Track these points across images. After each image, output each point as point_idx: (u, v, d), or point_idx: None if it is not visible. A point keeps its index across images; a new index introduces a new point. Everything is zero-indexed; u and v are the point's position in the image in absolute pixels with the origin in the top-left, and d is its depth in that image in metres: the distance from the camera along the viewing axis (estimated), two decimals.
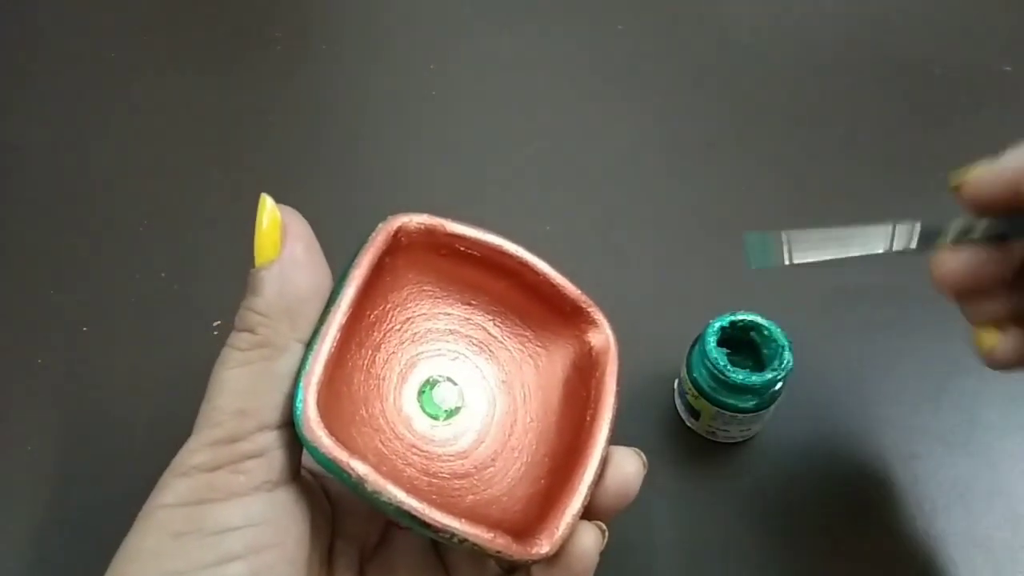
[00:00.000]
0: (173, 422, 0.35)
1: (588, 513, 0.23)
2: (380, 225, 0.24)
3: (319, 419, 0.21)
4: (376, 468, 0.22)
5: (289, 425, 0.21)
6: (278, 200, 0.23)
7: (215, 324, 0.37)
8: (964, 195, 0.24)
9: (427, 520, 0.21)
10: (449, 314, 0.27)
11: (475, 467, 0.25)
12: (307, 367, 0.21)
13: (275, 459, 0.21)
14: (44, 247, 0.40)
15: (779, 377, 0.31)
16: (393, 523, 0.25)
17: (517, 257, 0.25)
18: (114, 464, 0.34)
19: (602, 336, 0.26)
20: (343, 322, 0.22)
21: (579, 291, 0.26)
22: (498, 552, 0.21)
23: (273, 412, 0.21)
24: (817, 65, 0.48)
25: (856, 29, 0.50)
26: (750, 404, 0.31)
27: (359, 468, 0.20)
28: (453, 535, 0.21)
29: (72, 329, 0.37)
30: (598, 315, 0.26)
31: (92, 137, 0.44)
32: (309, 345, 0.22)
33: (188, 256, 0.40)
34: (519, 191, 0.42)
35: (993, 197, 0.23)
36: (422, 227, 0.24)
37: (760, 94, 0.47)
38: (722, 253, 0.40)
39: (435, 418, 0.26)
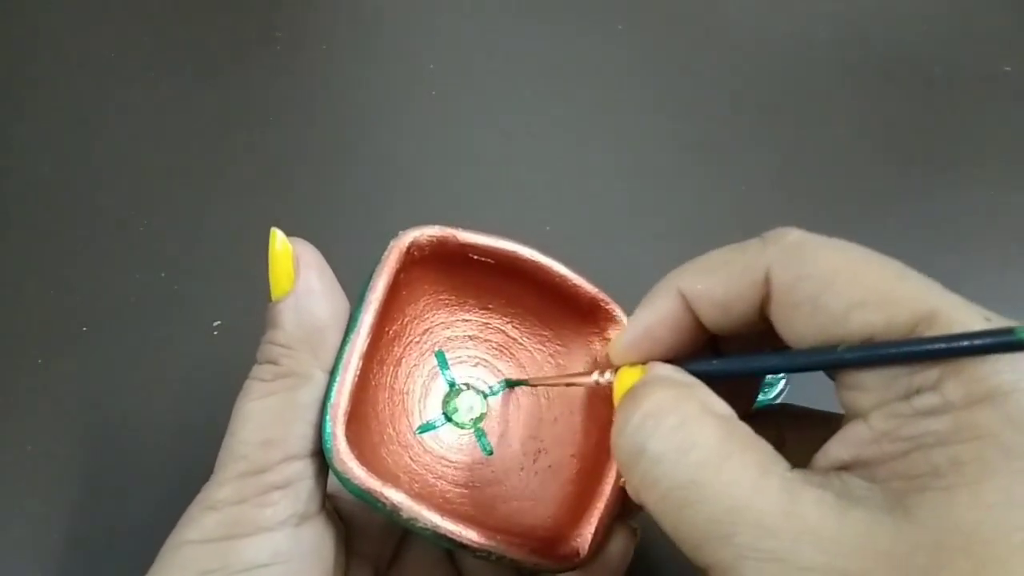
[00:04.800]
0: (174, 422, 0.35)
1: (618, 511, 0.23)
2: (392, 242, 0.24)
3: (349, 450, 0.21)
4: (408, 486, 0.22)
5: (314, 455, 0.21)
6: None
7: (215, 324, 0.37)
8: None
9: (465, 542, 0.21)
10: (467, 320, 0.27)
11: (504, 472, 0.25)
12: (332, 398, 0.21)
13: (301, 491, 0.21)
14: (44, 247, 0.40)
15: (781, 376, 0.31)
16: (408, 538, 0.25)
17: (533, 261, 0.25)
18: (115, 464, 0.34)
19: None
20: (364, 349, 0.22)
21: (596, 289, 0.25)
22: (535, 565, 0.21)
23: (298, 442, 0.21)
24: (817, 65, 0.48)
25: (855, 29, 0.50)
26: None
27: (393, 496, 0.21)
28: (491, 553, 0.21)
29: (72, 329, 0.37)
30: (617, 311, 0.25)
31: (92, 137, 0.44)
32: (332, 375, 0.22)
33: (188, 256, 0.40)
34: (519, 191, 0.42)
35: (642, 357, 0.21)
36: (434, 239, 0.24)
37: (760, 94, 0.47)
38: None
39: (461, 427, 0.25)
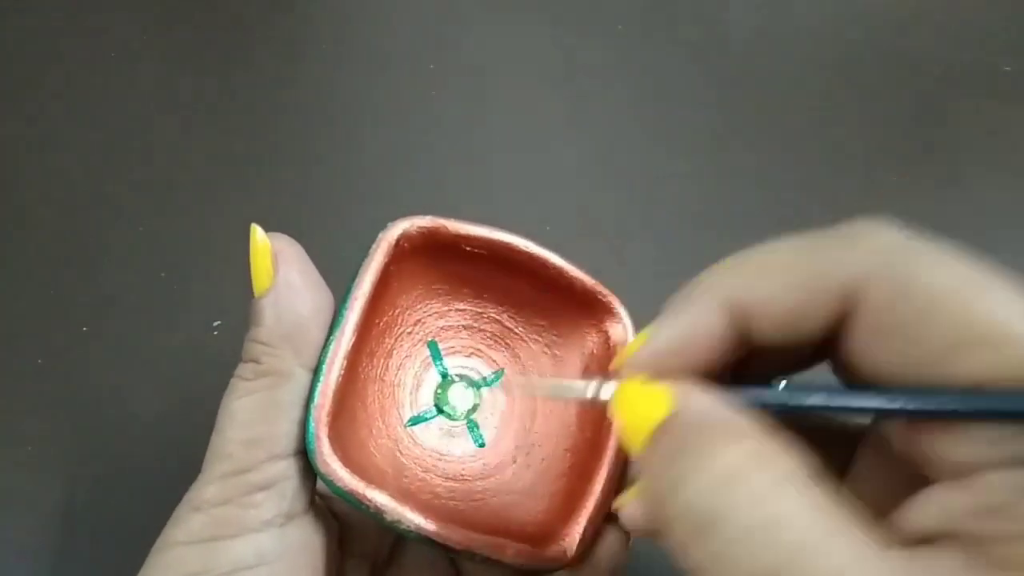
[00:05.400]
0: (174, 422, 0.35)
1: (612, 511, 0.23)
2: (380, 235, 0.23)
3: (332, 452, 0.20)
4: (396, 481, 0.22)
5: (299, 454, 0.21)
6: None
7: (215, 324, 0.37)
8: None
9: (448, 543, 0.21)
10: (462, 310, 0.26)
11: (496, 465, 0.25)
12: (315, 399, 0.21)
13: (286, 490, 0.21)
14: (44, 247, 0.40)
15: None
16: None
17: (528, 253, 0.24)
18: (115, 464, 0.34)
19: (619, 326, 0.25)
20: (349, 348, 0.22)
21: (594, 281, 0.25)
22: (520, 566, 0.21)
23: (282, 441, 0.21)
24: (817, 65, 0.48)
25: (855, 29, 0.50)
26: None
27: (377, 499, 0.20)
28: (475, 554, 0.21)
29: (72, 329, 0.37)
30: (615, 304, 0.25)
31: (91, 137, 0.44)
32: (316, 375, 0.21)
33: (188, 256, 0.40)
34: (519, 191, 0.42)
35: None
36: (425, 230, 0.24)
37: (760, 94, 0.47)
38: (723, 252, 0.39)
39: (453, 419, 0.25)
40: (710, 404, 0.16)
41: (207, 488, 0.20)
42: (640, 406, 0.16)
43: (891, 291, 0.14)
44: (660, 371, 0.17)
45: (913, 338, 0.14)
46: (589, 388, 0.18)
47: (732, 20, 0.50)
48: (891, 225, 0.15)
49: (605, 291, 0.25)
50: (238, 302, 0.38)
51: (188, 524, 0.20)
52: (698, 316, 0.17)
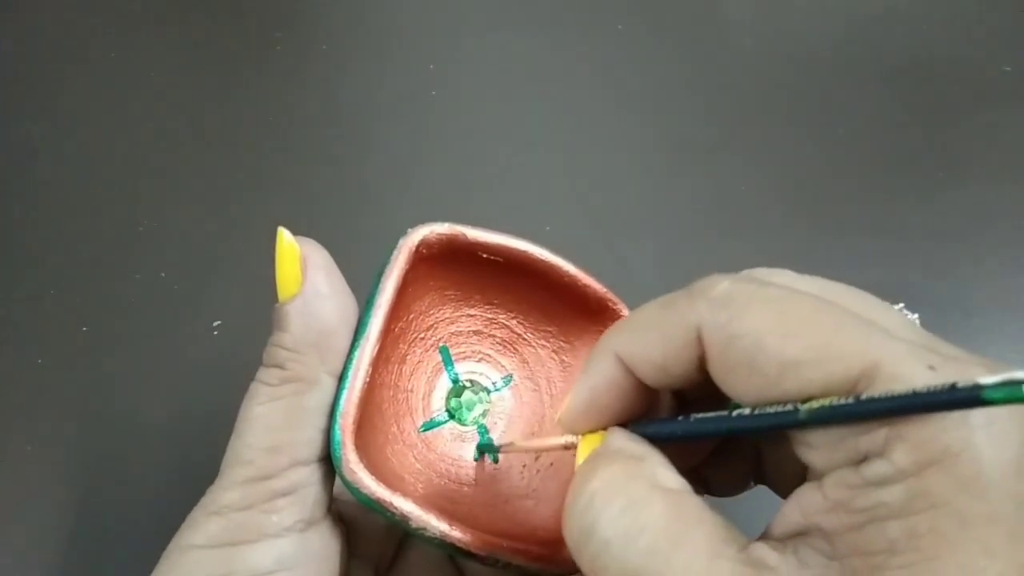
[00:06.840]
0: (174, 422, 0.35)
1: None
2: (401, 241, 0.23)
3: (359, 460, 0.20)
4: (413, 487, 0.22)
5: (321, 461, 0.21)
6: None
7: (215, 324, 0.37)
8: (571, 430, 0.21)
9: (472, 550, 0.21)
10: (472, 315, 0.26)
11: (506, 470, 0.25)
12: (341, 407, 0.21)
13: (307, 497, 0.21)
14: (44, 247, 0.40)
15: None
16: (409, 539, 0.25)
17: (544, 260, 0.25)
18: (115, 464, 0.34)
19: None
20: (373, 356, 0.22)
21: (605, 289, 0.25)
22: (539, 570, 0.21)
23: (305, 448, 0.21)
24: (817, 65, 0.48)
25: (856, 29, 0.50)
26: None
27: (403, 506, 0.20)
28: (498, 560, 0.21)
29: (72, 329, 0.37)
30: (624, 312, 0.26)
31: (92, 137, 0.44)
32: (341, 381, 0.21)
33: (188, 256, 0.40)
34: (519, 191, 0.42)
35: (590, 425, 0.21)
36: (443, 237, 0.24)
37: (760, 94, 0.47)
38: (722, 254, 0.40)
39: (464, 424, 0.25)
40: (620, 440, 0.19)
41: (227, 493, 0.20)
42: (584, 453, 0.19)
43: (722, 335, 0.17)
44: (589, 423, 0.20)
45: (749, 369, 0.16)
46: (564, 439, 0.21)
47: (732, 22, 0.50)
48: (725, 278, 0.18)
49: (615, 299, 0.26)
50: (238, 302, 0.38)
51: (206, 528, 0.20)
52: (599, 375, 0.19)
